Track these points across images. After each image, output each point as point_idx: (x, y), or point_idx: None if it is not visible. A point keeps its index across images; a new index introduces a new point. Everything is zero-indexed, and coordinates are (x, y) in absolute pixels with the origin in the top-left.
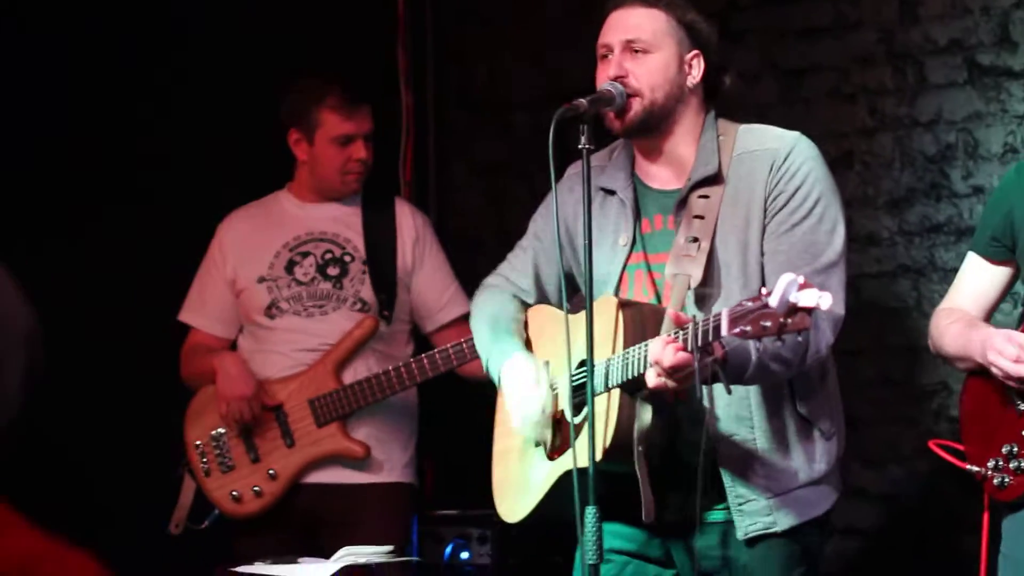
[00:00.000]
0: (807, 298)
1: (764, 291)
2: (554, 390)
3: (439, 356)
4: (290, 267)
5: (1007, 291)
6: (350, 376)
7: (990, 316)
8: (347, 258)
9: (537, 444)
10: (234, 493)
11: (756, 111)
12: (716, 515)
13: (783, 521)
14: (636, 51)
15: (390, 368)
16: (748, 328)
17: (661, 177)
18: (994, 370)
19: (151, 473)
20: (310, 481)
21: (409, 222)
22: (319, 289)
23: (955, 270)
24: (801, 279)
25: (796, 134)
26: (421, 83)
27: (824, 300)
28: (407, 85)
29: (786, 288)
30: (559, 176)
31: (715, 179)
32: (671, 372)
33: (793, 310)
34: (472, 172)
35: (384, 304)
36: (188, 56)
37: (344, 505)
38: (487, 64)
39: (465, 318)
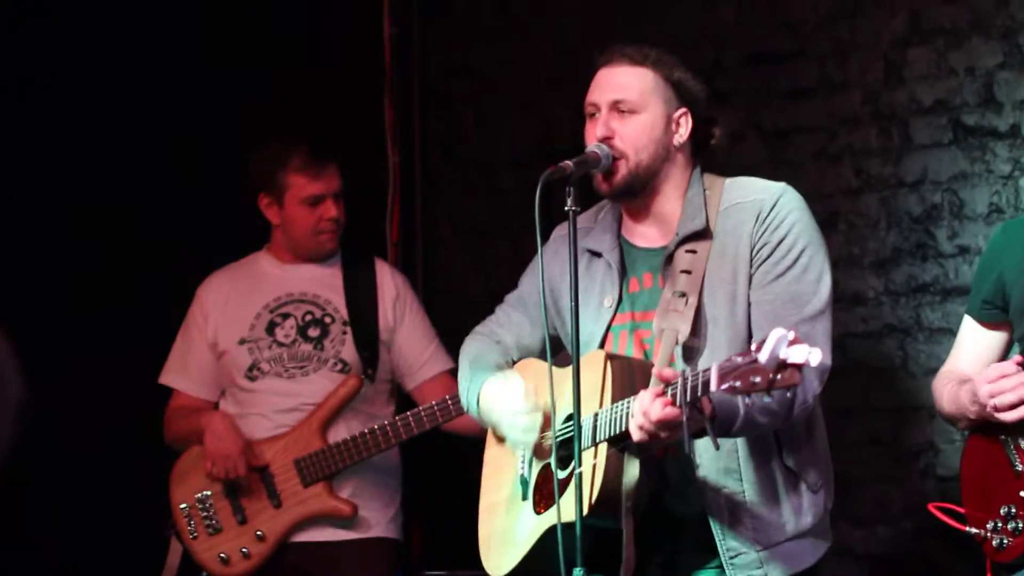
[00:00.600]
0: (797, 354)
1: (753, 346)
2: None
3: (424, 413)
4: (271, 328)
5: (1006, 353)
6: (334, 436)
7: None
8: (327, 319)
9: (533, 457)
10: (222, 555)
11: (741, 172)
12: (708, 573)
13: (773, 574)
14: (623, 111)
15: (375, 427)
16: (737, 384)
17: (648, 236)
18: (988, 404)
19: (137, 537)
20: (297, 540)
21: (389, 281)
22: (300, 351)
23: (941, 330)
24: (791, 335)
25: (782, 185)
26: (408, 139)
27: (814, 356)
28: (393, 142)
29: (776, 344)
30: (545, 238)
31: (702, 234)
32: (659, 427)
33: (783, 366)
34: (458, 230)
35: (368, 362)
36: (170, 118)
37: (330, 562)
38: (474, 120)
39: (447, 373)
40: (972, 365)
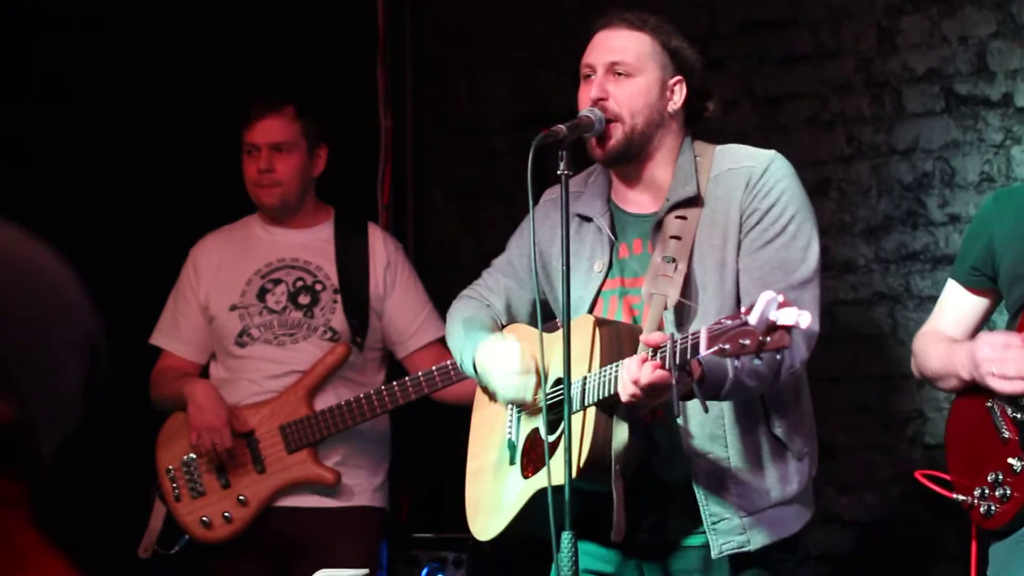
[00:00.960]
0: (786, 316)
1: (743, 309)
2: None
3: (410, 383)
4: (262, 295)
5: (987, 319)
6: (321, 403)
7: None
8: (318, 286)
9: (522, 412)
10: (204, 518)
11: (734, 138)
12: (695, 539)
13: (756, 539)
14: (619, 74)
15: (362, 395)
16: (727, 346)
17: (639, 202)
18: (983, 369)
19: (122, 497)
20: (281, 505)
21: (381, 248)
22: (290, 318)
23: (931, 298)
24: (781, 297)
25: (772, 152)
26: (400, 105)
27: (803, 319)
28: (386, 108)
29: (766, 306)
30: (536, 201)
31: (693, 200)
32: (648, 390)
33: (772, 328)
34: (450, 195)
35: (356, 331)
36: (170, 83)
37: (314, 529)
38: (467, 85)
39: (438, 342)
40: (955, 329)
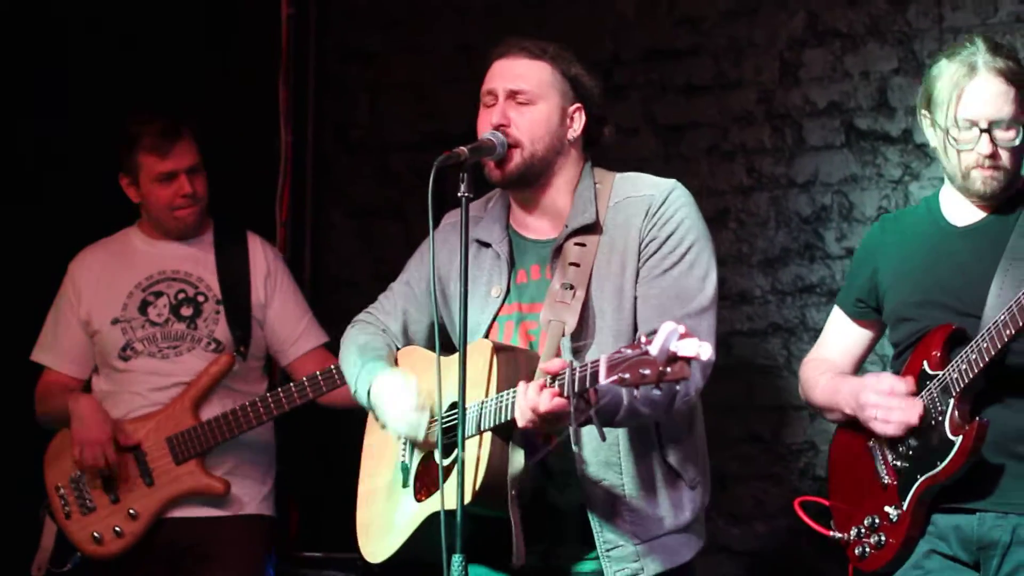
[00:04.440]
0: (687, 348)
1: (643, 339)
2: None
3: (295, 389)
4: (143, 308)
5: (871, 348)
6: (207, 413)
7: (857, 370)
8: (200, 298)
9: (417, 450)
10: (95, 534)
11: (635, 166)
12: (587, 565)
13: (650, 567)
14: (520, 102)
15: (247, 403)
16: (627, 376)
17: (537, 228)
18: (867, 413)
19: (12, 516)
20: (172, 516)
21: (260, 257)
22: (173, 330)
23: None
24: (682, 328)
25: (672, 182)
26: (301, 120)
27: (704, 351)
28: (287, 122)
29: (667, 337)
30: (436, 223)
31: (592, 227)
32: (546, 417)
33: (673, 359)
34: (348, 214)
35: (240, 341)
36: (53, 90)
37: (203, 538)
38: (368, 103)
39: (321, 348)
40: (841, 358)
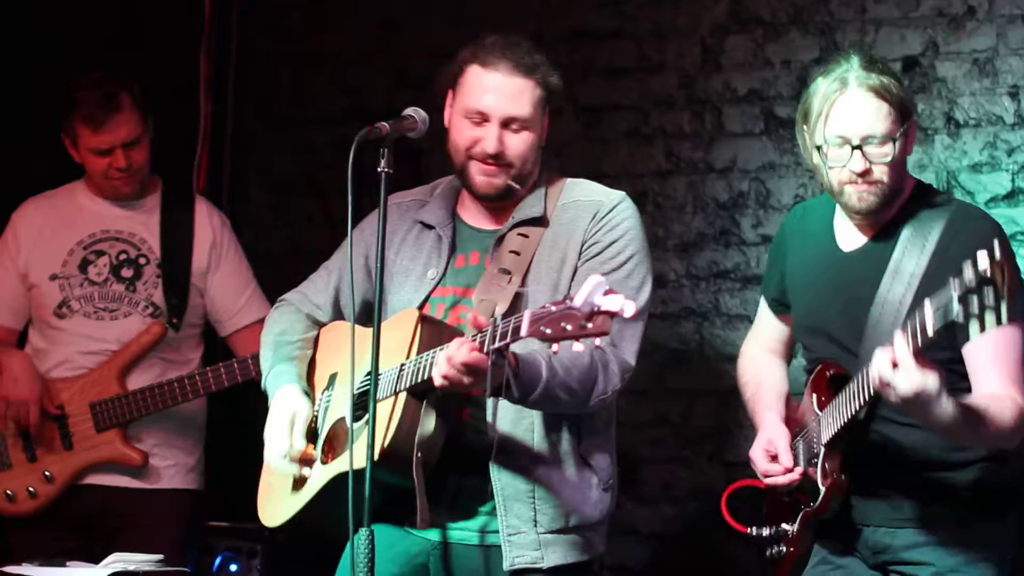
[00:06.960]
0: (611, 303)
1: (569, 296)
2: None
3: (224, 370)
4: (84, 266)
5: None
6: (135, 382)
7: (789, 352)
8: (142, 260)
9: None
10: (8, 492)
11: (554, 147)
12: (489, 538)
13: (550, 558)
14: (515, 129)
15: (174, 379)
16: (548, 330)
17: (485, 219)
18: (759, 468)
19: None
20: (91, 483)
21: (207, 223)
22: (112, 291)
23: (740, 316)
24: (607, 284)
25: (622, 193)
26: (222, 92)
27: (628, 307)
28: (207, 93)
29: (592, 290)
30: (356, 197)
31: (538, 221)
32: (463, 370)
33: (595, 313)
34: (266, 186)
35: (173, 311)
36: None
37: (123, 509)
38: (289, 77)
39: (261, 323)
40: (772, 346)
